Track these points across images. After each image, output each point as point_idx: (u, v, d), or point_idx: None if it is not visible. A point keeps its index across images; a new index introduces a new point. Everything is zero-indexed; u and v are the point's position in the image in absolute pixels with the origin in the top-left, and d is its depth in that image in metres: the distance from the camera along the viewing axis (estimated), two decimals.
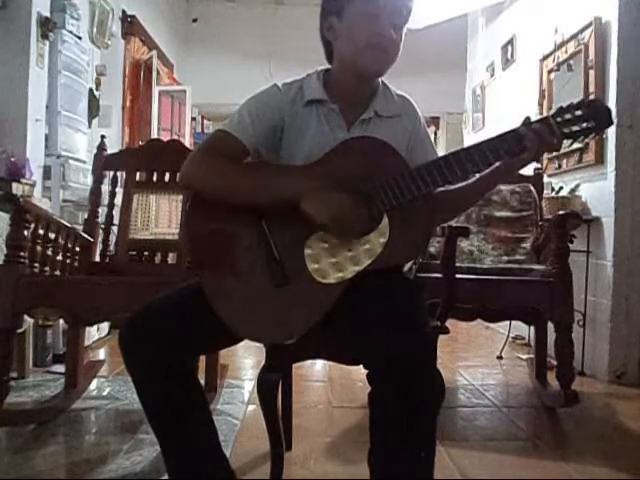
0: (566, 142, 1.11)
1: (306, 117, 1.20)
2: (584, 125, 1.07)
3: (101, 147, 2.24)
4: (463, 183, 1.21)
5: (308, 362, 2.51)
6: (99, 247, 2.21)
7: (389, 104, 1.25)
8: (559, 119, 1.08)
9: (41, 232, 1.81)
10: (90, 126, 3.39)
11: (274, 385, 1.28)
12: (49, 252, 1.86)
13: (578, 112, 1.07)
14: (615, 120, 2.49)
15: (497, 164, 1.13)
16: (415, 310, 1.03)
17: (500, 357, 2.91)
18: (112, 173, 2.27)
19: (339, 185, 1.10)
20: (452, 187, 1.23)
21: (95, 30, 3.48)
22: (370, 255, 1.06)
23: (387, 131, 1.18)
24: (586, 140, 1.12)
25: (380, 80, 1.26)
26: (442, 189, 1.24)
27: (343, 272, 1.06)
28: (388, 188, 1.08)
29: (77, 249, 2.06)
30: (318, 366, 2.65)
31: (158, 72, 4.77)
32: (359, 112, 1.21)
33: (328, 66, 1.26)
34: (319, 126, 1.19)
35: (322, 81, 1.22)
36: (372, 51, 1.14)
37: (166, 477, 1.15)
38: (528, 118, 1.09)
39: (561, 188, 2.83)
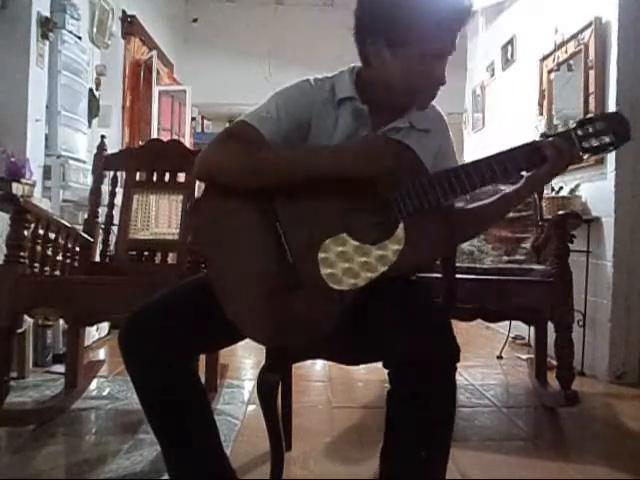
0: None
1: (334, 117, 1.16)
2: (604, 139, 1.06)
3: (101, 147, 2.24)
4: (488, 200, 1.20)
5: (308, 362, 2.51)
6: (99, 247, 2.21)
7: (425, 118, 1.21)
8: (580, 132, 1.07)
9: (41, 232, 1.81)
10: (90, 126, 3.39)
11: (274, 385, 1.28)
12: (49, 252, 1.86)
13: (599, 125, 1.06)
14: None
15: (522, 180, 1.13)
16: (437, 310, 1.03)
17: (500, 357, 2.91)
18: (112, 173, 2.27)
19: (356, 185, 1.08)
20: (477, 204, 1.22)
21: (95, 30, 3.48)
22: (384, 263, 1.04)
23: (417, 143, 1.13)
24: (603, 155, 1.11)
25: None
26: (466, 207, 1.23)
27: (356, 279, 1.03)
28: (406, 194, 1.06)
29: (77, 249, 2.06)
30: (318, 366, 2.65)
31: (158, 72, 4.77)
32: (389, 119, 1.17)
33: (359, 64, 1.20)
34: (346, 126, 1.16)
35: (354, 79, 1.18)
36: (426, 92, 1.13)
37: (166, 477, 1.15)
38: (545, 133, 1.09)
39: (561, 188, 2.82)
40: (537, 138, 1.11)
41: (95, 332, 2.95)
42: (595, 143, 1.07)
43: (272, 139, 1.11)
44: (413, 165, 1.08)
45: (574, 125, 1.09)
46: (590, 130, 1.07)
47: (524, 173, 1.13)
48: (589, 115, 1.09)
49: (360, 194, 1.08)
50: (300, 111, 1.14)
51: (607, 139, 1.06)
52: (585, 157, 1.11)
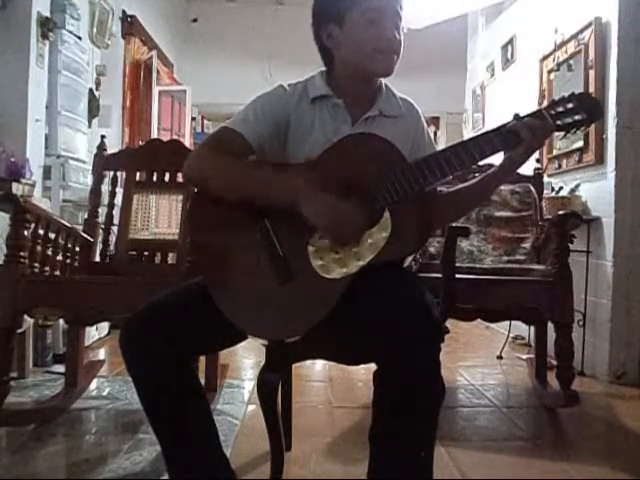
0: (559, 134, 1.15)
1: (311, 114, 1.22)
2: (576, 117, 1.10)
3: (101, 147, 2.24)
4: (468, 183, 1.23)
5: (308, 362, 2.51)
6: (99, 247, 2.21)
7: (393, 105, 1.27)
8: (552, 112, 1.10)
9: (41, 232, 1.81)
10: (90, 126, 3.39)
11: (274, 385, 1.28)
12: (49, 252, 1.86)
13: (569, 105, 1.10)
14: (615, 120, 2.50)
15: (500, 162, 1.16)
16: (424, 295, 1.04)
17: (500, 357, 2.91)
18: (112, 173, 2.27)
19: (339, 182, 1.11)
20: (457, 187, 1.25)
21: (95, 30, 3.47)
22: (373, 250, 1.07)
23: (391, 130, 1.19)
24: (577, 132, 1.14)
25: (382, 81, 1.28)
26: (448, 191, 1.26)
27: (347, 267, 1.06)
28: (389, 183, 1.09)
29: (77, 249, 2.06)
30: (318, 366, 2.65)
31: (158, 72, 4.77)
32: (364, 110, 1.23)
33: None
34: (323, 121, 1.21)
35: (325, 80, 1.25)
36: (381, 55, 1.17)
37: (166, 477, 1.15)
38: (517, 114, 1.11)
39: (561, 188, 2.83)
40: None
41: (95, 332, 2.96)
42: (568, 120, 1.10)
43: (255, 140, 1.18)
44: (392, 155, 1.12)
45: (545, 105, 1.13)
46: (561, 109, 1.10)
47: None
48: (559, 96, 1.12)
49: (345, 186, 1.12)
50: (277, 113, 1.21)
51: (579, 117, 1.10)
52: (560, 135, 1.14)
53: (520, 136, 1.08)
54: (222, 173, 1.14)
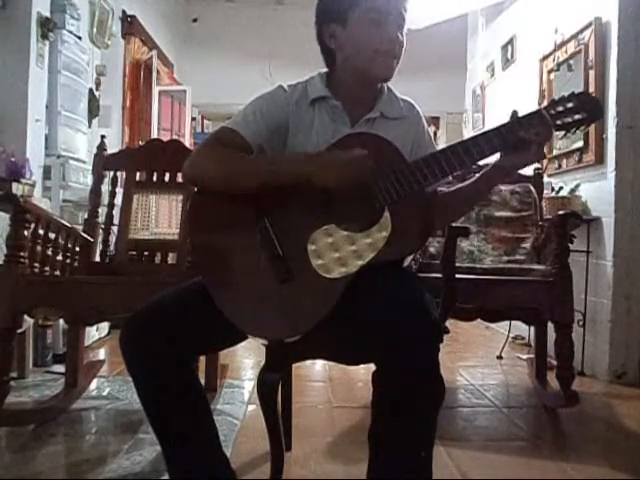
0: (559, 134, 1.15)
1: (310, 115, 1.22)
2: (576, 117, 1.10)
3: (101, 147, 2.24)
4: (467, 182, 1.23)
5: (308, 362, 2.51)
6: (99, 247, 2.21)
7: (394, 107, 1.27)
8: (552, 111, 1.10)
9: (41, 232, 1.81)
10: (90, 126, 3.39)
11: (274, 385, 1.28)
12: (49, 252, 1.86)
13: (569, 104, 1.10)
14: (615, 120, 2.49)
15: (498, 162, 1.15)
16: (424, 295, 1.04)
17: (500, 357, 2.91)
18: (112, 173, 2.27)
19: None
20: (457, 187, 1.25)
21: (95, 30, 3.47)
22: (373, 249, 1.07)
23: (392, 132, 1.19)
24: (577, 131, 1.14)
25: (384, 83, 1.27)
26: (448, 191, 1.26)
27: (347, 267, 1.06)
28: (388, 183, 1.09)
29: (77, 249, 2.06)
30: (318, 366, 2.65)
31: (158, 72, 4.77)
32: (364, 111, 1.23)
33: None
34: (322, 122, 1.21)
35: (325, 81, 1.25)
36: (382, 57, 1.17)
37: (166, 477, 1.15)
38: (515, 112, 1.10)
39: (561, 188, 2.83)
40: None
41: (95, 332, 2.96)
42: (568, 119, 1.10)
43: (255, 140, 1.18)
44: (392, 154, 1.13)
45: (545, 105, 1.12)
46: (561, 109, 1.10)
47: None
48: (559, 96, 1.12)
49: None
50: (277, 113, 1.20)
51: (579, 116, 1.09)
52: (560, 134, 1.14)
53: (519, 136, 1.08)
54: (223, 164, 1.14)
